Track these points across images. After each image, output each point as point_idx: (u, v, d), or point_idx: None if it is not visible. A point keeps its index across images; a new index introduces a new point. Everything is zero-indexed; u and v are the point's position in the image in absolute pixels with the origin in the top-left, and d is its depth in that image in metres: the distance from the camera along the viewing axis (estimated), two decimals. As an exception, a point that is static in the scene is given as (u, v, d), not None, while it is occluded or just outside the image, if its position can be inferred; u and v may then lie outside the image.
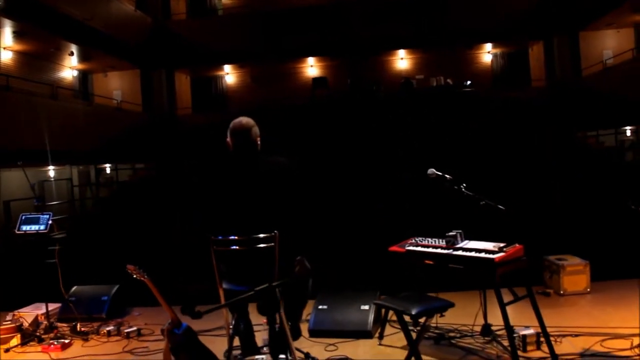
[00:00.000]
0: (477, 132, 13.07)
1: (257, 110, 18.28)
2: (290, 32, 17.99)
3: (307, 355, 4.25)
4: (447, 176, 4.00)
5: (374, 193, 10.34)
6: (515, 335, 3.98)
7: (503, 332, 4.18)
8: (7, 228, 11.62)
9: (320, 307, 4.93)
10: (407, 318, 3.68)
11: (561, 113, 14.41)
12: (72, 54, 15.69)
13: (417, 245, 4.19)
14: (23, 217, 5.12)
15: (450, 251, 3.94)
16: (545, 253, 5.78)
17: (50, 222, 5.07)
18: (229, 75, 20.86)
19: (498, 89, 17.96)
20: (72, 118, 13.11)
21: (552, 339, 3.94)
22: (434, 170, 4.00)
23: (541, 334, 3.93)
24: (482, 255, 3.71)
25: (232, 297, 3.34)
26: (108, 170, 17.29)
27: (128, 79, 19.08)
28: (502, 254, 3.66)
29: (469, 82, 16.80)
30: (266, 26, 18.01)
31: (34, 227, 5.03)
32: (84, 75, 18.40)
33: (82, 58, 16.73)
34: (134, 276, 3.51)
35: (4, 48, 13.83)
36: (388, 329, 4.70)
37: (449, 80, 16.81)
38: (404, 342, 4.32)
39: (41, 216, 5.09)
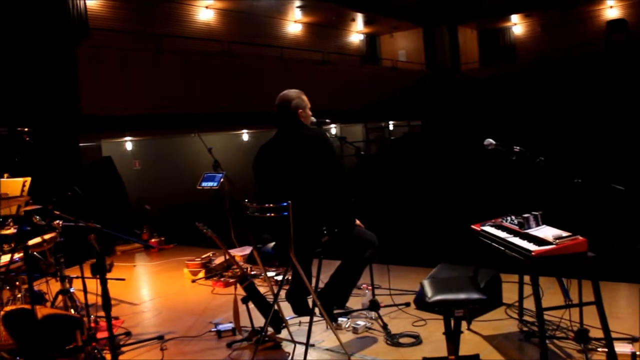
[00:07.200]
0: None
1: (545, 61, 16.85)
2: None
3: (384, 326, 4.23)
4: (516, 148, 3.35)
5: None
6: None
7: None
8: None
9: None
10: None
11: None
12: (353, 20, 16.96)
13: (493, 225, 3.69)
14: (205, 175, 6.15)
15: (508, 236, 3.38)
16: None
17: (222, 180, 5.99)
18: (517, 25, 19.57)
19: None
20: (341, 81, 14.33)
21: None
22: (492, 140, 3.39)
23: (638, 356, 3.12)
24: (524, 245, 3.11)
25: (264, 260, 3.64)
26: (391, 127, 18.30)
27: (412, 39, 19.63)
28: (548, 247, 3.00)
29: None
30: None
31: (210, 184, 6.02)
32: (371, 38, 19.65)
33: (366, 22, 17.90)
34: (203, 232, 4.06)
35: (294, 21, 15.85)
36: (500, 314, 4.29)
37: None
38: (500, 331, 3.95)
39: (216, 175, 6.04)
